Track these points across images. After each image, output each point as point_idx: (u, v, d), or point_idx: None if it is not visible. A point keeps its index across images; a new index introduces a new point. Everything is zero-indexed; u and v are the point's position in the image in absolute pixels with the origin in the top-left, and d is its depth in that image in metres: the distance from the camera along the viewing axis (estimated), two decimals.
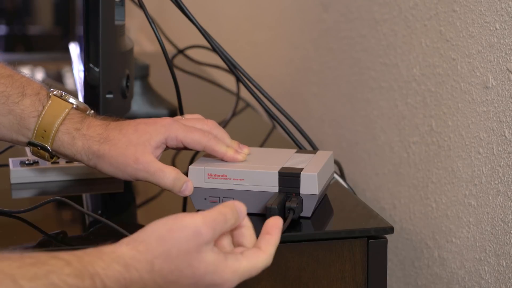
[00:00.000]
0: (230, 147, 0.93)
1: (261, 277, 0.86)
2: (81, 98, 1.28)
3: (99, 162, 0.90)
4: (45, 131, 0.91)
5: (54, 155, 0.93)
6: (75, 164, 1.04)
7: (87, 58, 1.12)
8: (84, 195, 1.05)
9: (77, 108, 0.93)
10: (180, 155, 1.17)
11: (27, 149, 1.08)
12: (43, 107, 0.91)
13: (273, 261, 0.86)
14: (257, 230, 0.79)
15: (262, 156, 0.96)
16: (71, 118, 0.91)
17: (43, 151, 0.92)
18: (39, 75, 1.89)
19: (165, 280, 0.69)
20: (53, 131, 0.90)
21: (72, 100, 0.92)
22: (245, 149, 0.94)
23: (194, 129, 0.92)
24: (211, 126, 0.94)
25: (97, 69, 1.10)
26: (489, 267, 1.01)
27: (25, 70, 1.83)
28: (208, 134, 0.92)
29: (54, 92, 0.92)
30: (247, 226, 0.75)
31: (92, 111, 0.95)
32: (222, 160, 0.93)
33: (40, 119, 0.90)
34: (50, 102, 0.91)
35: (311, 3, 1.56)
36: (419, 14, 1.15)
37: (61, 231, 0.92)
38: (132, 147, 0.89)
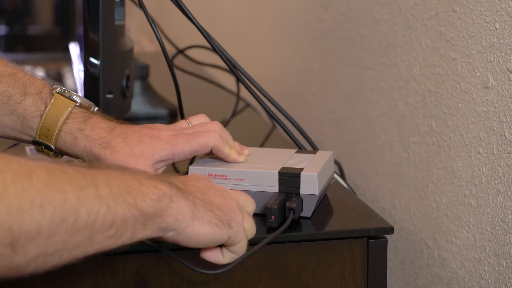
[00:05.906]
0: (233, 148, 0.93)
1: (261, 277, 0.86)
2: None
3: None
4: (48, 130, 0.90)
5: (58, 154, 0.93)
6: (75, 163, 1.03)
7: (87, 54, 1.11)
8: None
9: (81, 105, 0.91)
10: None
11: (27, 150, 1.08)
12: (46, 106, 0.90)
13: (273, 261, 0.86)
14: (257, 231, 0.79)
15: (262, 156, 0.96)
16: (74, 118, 0.90)
17: (47, 150, 0.92)
18: (39, 75, 1.89)
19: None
20: (56, 131, 0.90)
21: (75, 97, 0.91)
22: (246, 151, 0.95)
23: (197, 133, 0.91)
24: (216, 128, 0.94)
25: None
26: (489, 267, 1.01)
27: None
28: (213, 133, 0.91)
29: (57, 90, 0.91)
30: None
31: (96, 108, 0.94)
32: (222, 159, 0.93)
33: (43, 119, 0.90)
34: (53, 100, 0.90)
35: (310, 3, 1.56)
36: (419, 14, 1.15)
37: None
38: (134, 158, 0.88)
